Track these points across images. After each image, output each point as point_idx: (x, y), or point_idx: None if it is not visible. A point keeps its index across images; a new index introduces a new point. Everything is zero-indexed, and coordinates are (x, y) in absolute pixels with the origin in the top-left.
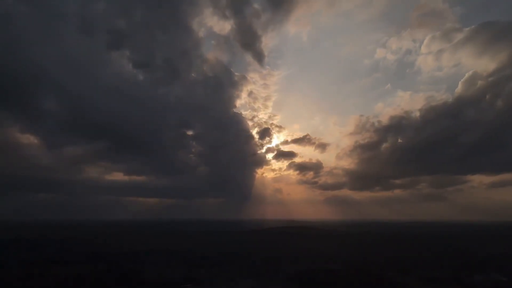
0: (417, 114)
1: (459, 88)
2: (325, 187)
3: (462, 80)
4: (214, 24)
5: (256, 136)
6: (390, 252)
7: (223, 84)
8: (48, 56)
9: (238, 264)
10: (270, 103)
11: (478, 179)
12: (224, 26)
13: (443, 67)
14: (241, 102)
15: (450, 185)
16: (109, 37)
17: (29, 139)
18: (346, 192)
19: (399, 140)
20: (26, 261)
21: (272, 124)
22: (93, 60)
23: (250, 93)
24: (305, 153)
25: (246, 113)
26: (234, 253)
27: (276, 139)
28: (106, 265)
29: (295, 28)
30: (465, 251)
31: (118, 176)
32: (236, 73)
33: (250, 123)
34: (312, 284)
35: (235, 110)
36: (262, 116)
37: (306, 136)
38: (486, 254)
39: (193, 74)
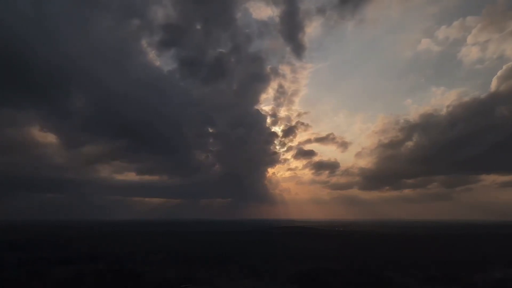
0: (445, 111)
1: (493, 83)
2: (335, 187)
3: (498, 74)
4: (256, 12)
5: (279, 134)
6: (391, 252)
7: (254, 79)
8: (72, 51)
9: (239, 264)
10: (297, 99)
11: (491, 179)
12: (267, 13)
13: (485, 60)
14: (266, 97)
15: (461, 185)
16: (139, 32)
17: (47, 137)
18: (354, 192)
19: (422, 139)
20: (27, 261)
21: (298, 122)
22: (120, 56)
23: (278, 88)
24: (326, 152)
25: (269, 108)
26: (235, 253)
27: (299, 137)
28: (106, 265)
29: (358, 23)
30: (466, 250)
31: (129, 176)
32: (268, 66)
33: (272, 119)
34: (313, 284)
35: (259, 105)
36: (287, 112)
37: (329, 135)
38: (487, 253)
39: (226, 70)
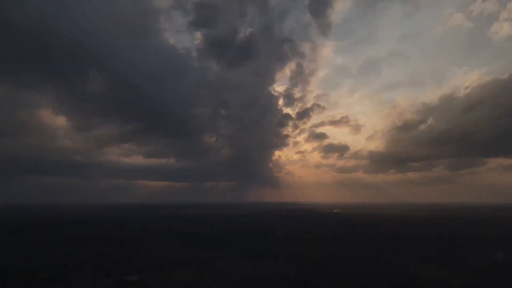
0: (463, 93)
1: None
2: (341, 170)
3: None
4: None
5: (293, 116)
6: (390, 234)
7: (273, 59)
8: (92, 28)
9: (239, 246)
10: (314, 79)
11: (497, 161)
12: None
13: None
14: (281, 75)
15: (466, 168)
16: (158, 9)
17: (59, 120)
18: (359, 175)
19: (437, 122)
20: (29, 243)
21: (314, 104)
22: (140, 34)
23: (295, 66)
24: (338, 135)
25: (284, 88)
26: (236, 235)
27: (314, 119)
28: (107, 246)
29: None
30: (465, 232)
31: (136, 159)
32: (287, 44)
33: (287, 100)
34: (310, 265)
35: (274, 86)
36: (302, 93)
37: (344, 117)
38: (486, 235)
39: (252, 50)
